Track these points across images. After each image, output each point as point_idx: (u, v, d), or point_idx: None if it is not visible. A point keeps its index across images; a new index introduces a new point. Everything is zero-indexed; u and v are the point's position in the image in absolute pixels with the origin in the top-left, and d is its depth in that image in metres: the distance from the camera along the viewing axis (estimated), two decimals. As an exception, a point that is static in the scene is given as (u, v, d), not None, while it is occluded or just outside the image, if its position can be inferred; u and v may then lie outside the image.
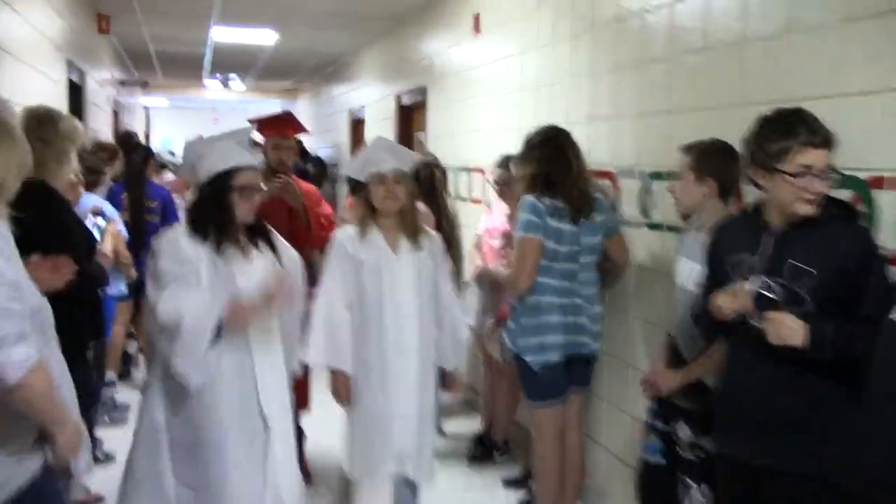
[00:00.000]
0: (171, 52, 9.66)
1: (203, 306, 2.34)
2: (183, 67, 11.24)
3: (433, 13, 6.11)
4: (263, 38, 8.16)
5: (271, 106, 16.66)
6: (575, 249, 3.08)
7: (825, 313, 2.02)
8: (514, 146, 4.34)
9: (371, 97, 8.36)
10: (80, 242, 2.62)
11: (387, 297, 2.86)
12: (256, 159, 2.56)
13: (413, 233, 2.92)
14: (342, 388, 2.91)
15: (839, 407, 2.00)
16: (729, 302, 2.11)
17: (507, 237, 4.03)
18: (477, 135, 5.24)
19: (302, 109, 13.66)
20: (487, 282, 4.13)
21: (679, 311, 2.67)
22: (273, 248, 2.64)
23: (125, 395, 5.14)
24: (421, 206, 4.29)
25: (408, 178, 2.93)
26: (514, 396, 4.19)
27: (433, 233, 3.08)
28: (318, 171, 9.48)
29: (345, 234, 2.94)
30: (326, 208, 4.09)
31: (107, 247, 3.42)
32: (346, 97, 9.77)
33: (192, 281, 2.39)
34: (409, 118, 7.23)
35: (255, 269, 2.51)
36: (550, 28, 4.10)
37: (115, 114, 9.17)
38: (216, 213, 2.46)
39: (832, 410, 2.01)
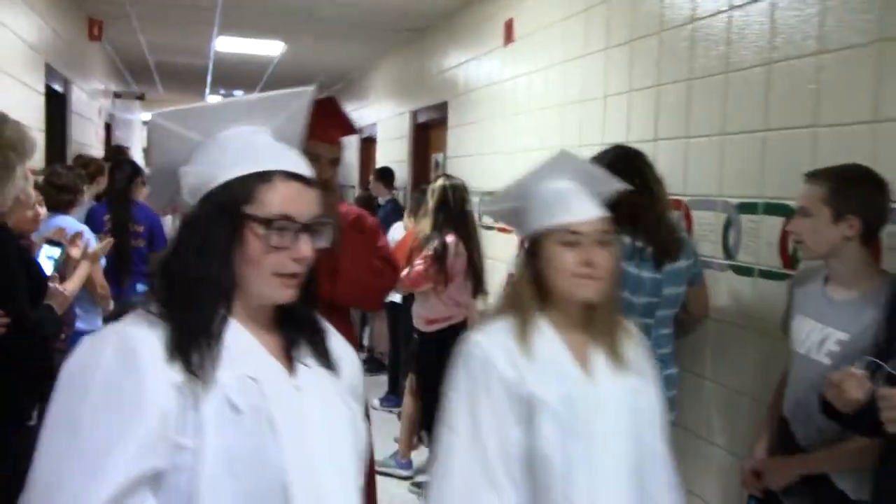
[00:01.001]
0: (171, 64, 9.13)
1: None
2: (184, 81, 10.71)
3: (457, 22, 5.56)
4: (269, 49, 7.62)
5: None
6: (653, 302, 2.46)
7: None
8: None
9: (384, 114, 7.80)
10: (18, 282, 2.02)
11: (583, 460, 1.50)
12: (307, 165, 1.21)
13: (612, 338, 1.60)
14: None
15: None
16: (838, 395, 1.61)
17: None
18: (506, 156, 4.65)
19: (307, 128, 13.14)
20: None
21: (799, 387, 2.06)
22: (326, 351, 1.24)
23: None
24: (451, 239, 3.72)
25: (616, 236, 1.65)
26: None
27: (633, 329, 1.72)
28: (324, 192, 8.95)
29: (491, 340, 1.56)
30: (385, 246, 2.63)
31: (73, 282, 2.81)
32: (355, 114, 9.21)
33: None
34: (426, 137, 6.66)
35: (309, 408, 1.15)
36: (603, 33, 3.52)
37: (108, 127, 8.61)
38: (209, 279, 1.10)
39: None
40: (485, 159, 4.96)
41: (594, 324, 1.59)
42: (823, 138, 2.33)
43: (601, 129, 3.53)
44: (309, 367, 1.18)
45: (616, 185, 1.74)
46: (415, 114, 6.67)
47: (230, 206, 1.10)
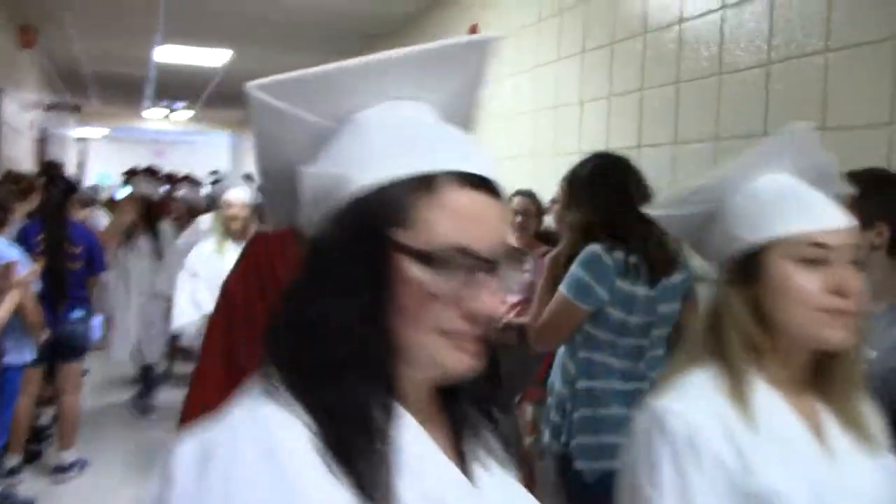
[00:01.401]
0: (108, 74, 8.70)
1: None
2: (122, 92, 10.26)
3: (417, 27, 5.35)
4: (214, 58, 7.29)
5: (219, 139, 15.74)
6: (649, 321, 2.27)
7: None
8: (528, 179, 3.59)
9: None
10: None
11: None
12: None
13: (850, 400, 1.10)
14: None
15: None
16: None
17: (529, 292, 3.21)
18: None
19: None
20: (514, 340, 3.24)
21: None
22: (504, 444, 0.81)
23: (31, 485, 4.11)
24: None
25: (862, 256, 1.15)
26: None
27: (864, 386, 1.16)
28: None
29: (696, 408, 1.05)
30: None
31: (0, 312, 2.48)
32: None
33: None
34: (382, 149, 6.41)
35: None
36: (579, 36, 3.35)
37: (42, 143, 8.13)
38: (351, 340, 0.68)
39: None
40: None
41: (829, 380, 1.09)
42: (831, 142, 2.17)
43: (577, 136, 3.35)
44: (486, 470, 0.77)
45: (849, 189, 1.25)
46: (370, 125, 6.43)
47: (372, 228, 0.69)
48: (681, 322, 2.46)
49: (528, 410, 2.69)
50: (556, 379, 2.36)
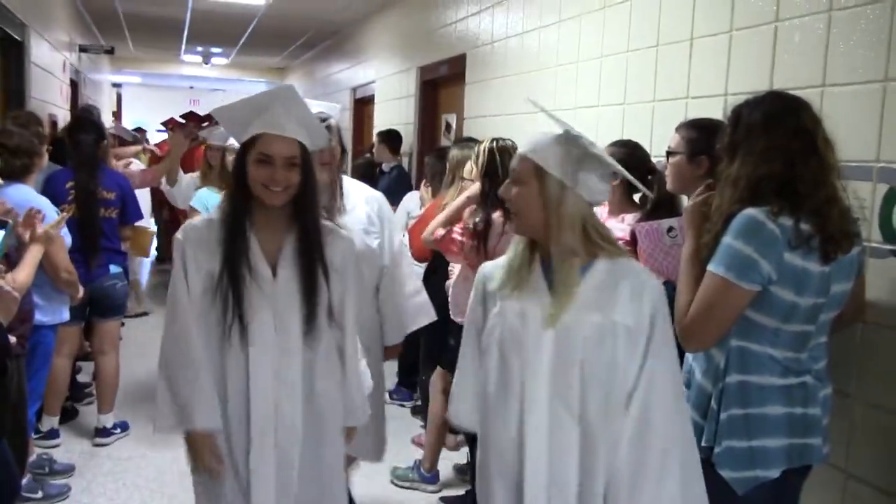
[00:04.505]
0: (143, 15, 8.27)
1: None
2: (157, 35, 9.84)
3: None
4: (253, -2, 6.84)
5: (257, 88, 15.30)
6: (819, 303, 1.83)
7: None
8: (616, 129, 3.14)
9: (384, 72, 7.06)
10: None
11: None
12: None
13: None
14: None
15: None
16: None
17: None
18: (538, 116, 3.99)
19: (290, 90, 12.33)
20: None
21: None
22: None
23: (70, 446, 3.87)
24: (497, 215, 3.05)
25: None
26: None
27: None
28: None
29: None
30: None
31: (22, 272, 2.12)
32: (347, 73, 8.46)
33: None
34: (435, 96, 5.96)
35: None
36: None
37: (74, 86, 7.77)
38: None
39: None
40: (513, 120, 4.29)
41: None
42: None
43: (672, 80, 2.88)
44: None
45: None
46: (422, 69, 5.96)
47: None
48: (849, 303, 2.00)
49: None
50: (695, 371, 1.95)
